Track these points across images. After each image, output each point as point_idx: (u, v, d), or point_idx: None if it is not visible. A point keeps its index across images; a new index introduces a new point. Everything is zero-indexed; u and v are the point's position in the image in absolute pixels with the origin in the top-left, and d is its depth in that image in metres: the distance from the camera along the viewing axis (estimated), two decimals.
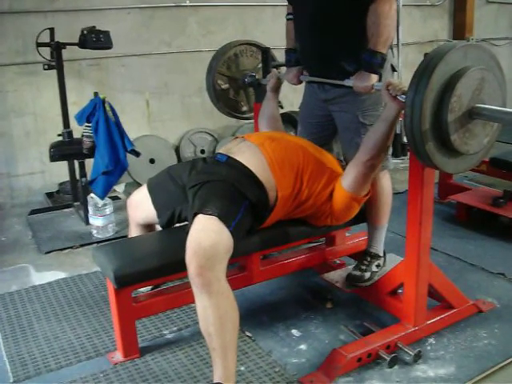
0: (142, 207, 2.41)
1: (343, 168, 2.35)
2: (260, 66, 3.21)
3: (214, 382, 1.85)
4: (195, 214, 2.01)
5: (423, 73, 1.80)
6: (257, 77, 3.15)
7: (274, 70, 2.87)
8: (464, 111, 1.85)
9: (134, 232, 2.52)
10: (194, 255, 1.87)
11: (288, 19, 2.68)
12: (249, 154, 2.25)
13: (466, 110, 1.85)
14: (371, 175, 2.24)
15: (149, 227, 2.51)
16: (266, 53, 3.15)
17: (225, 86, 3.15)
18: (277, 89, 2.79)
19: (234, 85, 3.18)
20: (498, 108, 1.86)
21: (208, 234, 1.93)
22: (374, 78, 2.27)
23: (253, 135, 2.48)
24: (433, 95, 1.80)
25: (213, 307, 1.83)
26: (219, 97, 3.17)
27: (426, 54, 1.92)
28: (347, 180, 2.23)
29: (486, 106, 1.86)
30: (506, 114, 1.81)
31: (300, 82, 2.68)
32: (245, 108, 3.30)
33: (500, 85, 1.95)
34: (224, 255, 1.93)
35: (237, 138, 2.47)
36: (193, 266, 1.85)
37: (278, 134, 2.52)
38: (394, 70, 2.50)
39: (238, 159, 2.24)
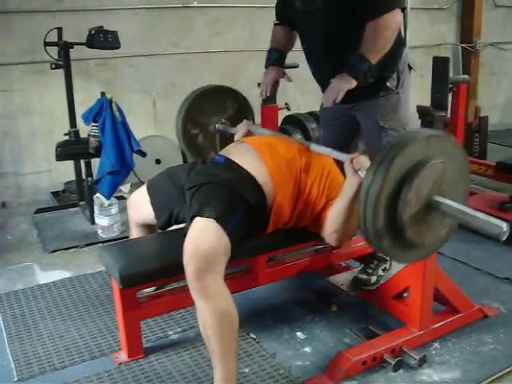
0: (141, 208, 2.40)
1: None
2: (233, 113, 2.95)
3: None
4: (193, 217, 2.00)
5: (381, 163, 1.67)
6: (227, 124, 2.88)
7: (245, 120, 2.69)
8: (422, 204, 1.73)
9: (134, 232, 2.52)
10: (192, 258, 1.85)
11: (275, 24, 2.68)
12: (247, 157, 2.22)
13: (424, 202, 1.73)
14: (345, 241, 2.24)
15: (149, 228, 2.49)
16: (243, 100, 2.99)
17: (194, 131, 2.90)
18: None
19: (204, 130, 2.92)
20: (456, 206, 1.71)
21: (205, 237, 1.91)
22: (353, 83, 2.22)
23: (251, 139, 2.45)
24: (389, 187, 1.68)
25: (210, 310, 1.81)
26: (188, 142, 2.92)
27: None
28: (327, 238, 2.22)
29: (445, 202, 1.72)
30: (463, 213, 1.69)
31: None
32: (212, 155, 2.90)
33: (461, 175, 1.83)
34: (222, 258, 1.91)
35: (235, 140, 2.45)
36: (190, 269, 1.83)
37: (276, 139, 2.41)
38: (410, 68, 2.53)
39: (236, 161, 2.22)
